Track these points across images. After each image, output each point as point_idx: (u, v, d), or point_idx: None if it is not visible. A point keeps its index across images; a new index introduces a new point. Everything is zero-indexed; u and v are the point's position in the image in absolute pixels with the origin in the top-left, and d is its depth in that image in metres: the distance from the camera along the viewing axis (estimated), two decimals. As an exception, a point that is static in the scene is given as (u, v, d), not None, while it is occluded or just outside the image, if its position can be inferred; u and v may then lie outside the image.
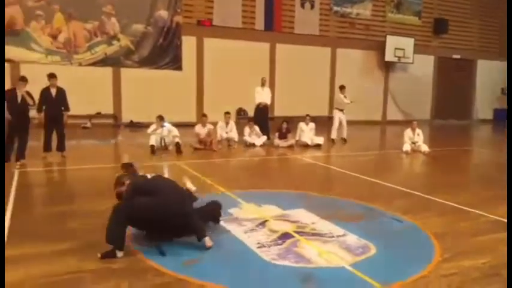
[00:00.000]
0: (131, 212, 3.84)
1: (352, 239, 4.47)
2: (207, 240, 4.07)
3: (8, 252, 3.83)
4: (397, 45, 20.15)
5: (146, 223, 4.02)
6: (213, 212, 4.71)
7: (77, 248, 3.97)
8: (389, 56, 20.12)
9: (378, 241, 4.38)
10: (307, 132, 11.63)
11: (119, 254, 3.77)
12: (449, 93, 22.26)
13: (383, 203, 5.87)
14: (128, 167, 4.48)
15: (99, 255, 3.70)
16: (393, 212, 5.47)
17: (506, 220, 5.16)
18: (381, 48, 19.97)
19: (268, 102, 12.55)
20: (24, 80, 8.33)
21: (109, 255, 3.72)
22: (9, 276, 3.37)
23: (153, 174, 4.39)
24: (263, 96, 12.41)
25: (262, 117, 12.33)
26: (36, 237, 4.18)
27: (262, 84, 12.52)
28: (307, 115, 11.92)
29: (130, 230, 4.10)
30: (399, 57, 20.33)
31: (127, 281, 3.38)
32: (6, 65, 13.55)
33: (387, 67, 20.74)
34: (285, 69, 18.01)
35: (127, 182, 4.10)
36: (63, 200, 5.92)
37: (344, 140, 12.45)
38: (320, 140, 11.56)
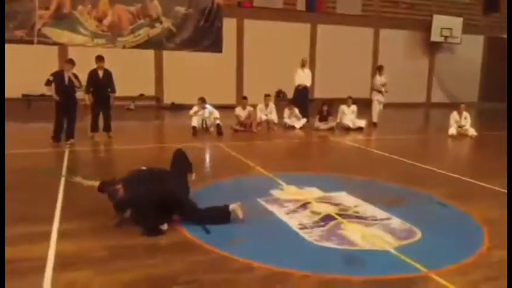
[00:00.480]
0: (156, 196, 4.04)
1: (396, 222, 4.40)
2: None
3: (63, 226, 4.06)
4: (444, 25, 19.30)
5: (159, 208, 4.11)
6: (221, 212, 4.35)
7: (126, 225, 4.12)
8: (435, 36, 19.33)
9: (423, 226, 4.30)
10: (348, 115, 11.45)
11: (164, 226, 3.92)
12: (499, 75, 21.18)
13: (428, 188, 5.73)
14: (105, 186, 4.42)
15: (145, 235, 3.82)
16: (439, 197, 5.33)
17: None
18: (426, 28, 19.21)
19: (309, 84, 12.41)
20: (71, 62, 8.63)
21: (154, 233, 3.85)
22: (65, 248, 3.57)
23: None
24: (303, 78, 12.28)
25: (302, 99, 12.22)
26: (87, 213, 4.38)
27: (303, 66, 12.38)
28: (349, 97, 11.71)
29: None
30: (446, 37, 19.49)
31: (174, 256, 3.50)
32: (55, 47, 14.09)
33: (433, 48, 19.96)
34: (326, 51, 17.70)
35: (119, 186, 4.23)
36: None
37: (375, 124, 12.05)
38: (362, 122, 11.36)
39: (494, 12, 20.57)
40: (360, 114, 11.69)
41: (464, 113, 10.85)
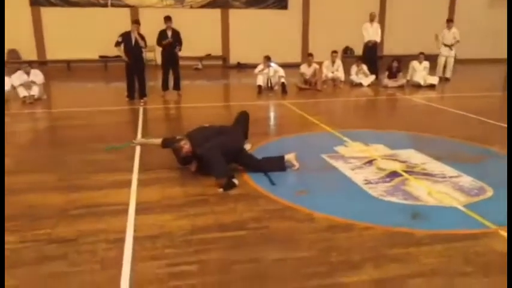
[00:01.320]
0: (218, 148, 4.22)
1: (466, 180, 4.29)
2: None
3: (143, 176, 4.42)
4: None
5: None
6: (277, 161, 4.60)
7: (198, 175, 4.40)
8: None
9: (496, 184, 4.15)
10: (420, 72, 10.95)
11: (235, 180, 4.11)
12: None
13: (503, 146, 5.44)
14: (169, 143, 4.64)
15: (220, 190, 4.01)
16: (515, 156, 5.06)
17: None
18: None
19: (378, 39, 11.93)
20: (136, 22, 8.96)
21: (229, 186, 4.04)
22: (148, 195, 3.92)
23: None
24: (371, 33, 11.81)
25: (371, 55, 11.82)
26: (164, 164, 4.72)
27: (371, 20, 11.88)
28: (421, 53, 11.14)
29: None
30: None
31: (241, 204, 3.72)
32: (127, 9, 14.62)
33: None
34: (396, 3, 16.73)
35: (183, 142, 4.39)
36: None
37: (446, 80, 11.49)
38: (434, 79, 10.82)
39: None
40: (432, 71, 11.12)
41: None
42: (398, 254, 2.91)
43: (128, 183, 4.19)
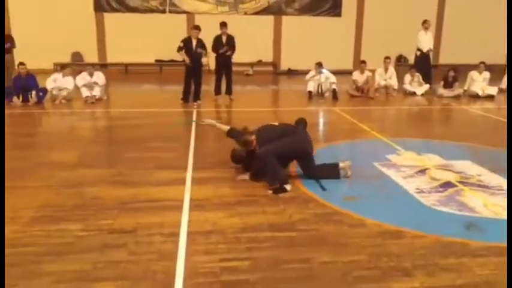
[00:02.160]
0: (278, 151, 4.21)
1: (525, 194, 4.12)
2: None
3: (196, 174, 4.59)
4: None
5: (285, 158, 4.37)
6: (332, 168, 4.57)
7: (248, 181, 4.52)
8: None
9: (558, 199, 3.96)
10: (479, 82, 10.53)
11: (288, 187, 4.16)
12: None
13: None
14: (236, 134, 4.64)
15: (270, 192, 4.08)
16: None
17: None
18: None
19: (431, 47, 11.63)
20: (197, 28, 9.26)
21: (279, 191, 4.10)
22: (201, 193, 4.08)
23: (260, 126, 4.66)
24: (426, 41, 11.53)
25: (425, 64, 11.52)
26: (217, 164, 4.88)
27: (426, 28, 11.59)
28: (482, 62, 10.72)
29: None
30: None
31: (292, 206, 3.78)
32: (183, 16, 15.12)
33: None
34: (454, 10, 16.19)
35: (253, 137, 4.38)
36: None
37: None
38: (493, 90, 10.37)
39: None
40: (492, 83, 10.67)
41: None
42: (451, 264, 2.86)
43: (183, 181, 4.37)
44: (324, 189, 4.20)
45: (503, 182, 4.44)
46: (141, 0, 14.99)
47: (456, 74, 10.61)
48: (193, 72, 9.25)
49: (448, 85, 10.59)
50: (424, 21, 11.62)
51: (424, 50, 11.49)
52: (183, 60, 9.20)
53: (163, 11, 15.18)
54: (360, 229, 3.38)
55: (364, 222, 3.50)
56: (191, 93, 9.37)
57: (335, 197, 4.00)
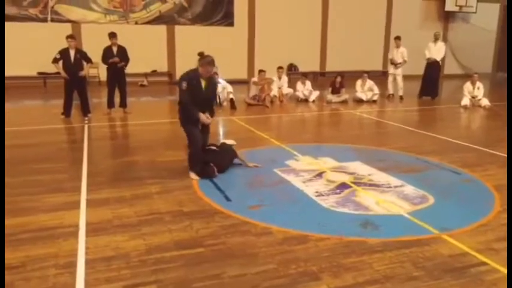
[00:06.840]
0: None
1: (409, 189, 4.54)
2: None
3: (91, 196, 4.27)
4: (460, -6, 18.87)
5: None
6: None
7: (150, 193, 4.33)
8: (450, 6, 18.93)
9: (436, 192, 4.44)
10: (363, 89, 11.48)
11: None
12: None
13: (440, 157, 5.83)
14: None
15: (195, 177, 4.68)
16: (451, 165, 5.44)
17: None
18: (440, -3, 18.80)
19: (439, 58, 12.20)
20: (71, 37, 8.57)
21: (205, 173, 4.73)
22: (99, 216, 3.79)
23: None
24: (433, 51, 12.06)
25: (432, 74, 12.03)
26: (113, 183, 4.59)
27: (436, 39, 12.17)
28: (365, 72, 11.70)
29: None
30: (461, 7, 19.08)
31: (198, 222, 3.69)
32: (68, 25, 14.14)
33: (447, 17, 19.57)
34: (339, 21, 17.43)
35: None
36: (129, 151, 6.37)
37: (401, 98, 11.91)
38: (375, 95, 11.36)
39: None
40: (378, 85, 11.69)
41: (478, 84, 10.78)
42: (353, 263, 3.02)
43: (77, 204, 4.03)
44: (228, 199, 4.18)
45: (391, 180, 4.84)
46: (18, 8, 13.70)
47: (342, 79, 11.41)
48: (73, 85, 8.61)
49: (335, 91, 11.34)
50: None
51: (426, 58, 12.09)
52: (59, 73, 8.57)
53: (45, 20, 14.05)
54: (267, 237, 3.42)
55: (270, 230, 3.55)
56: (72, 108, 8.74)
57: (240, 207, 4.00)
